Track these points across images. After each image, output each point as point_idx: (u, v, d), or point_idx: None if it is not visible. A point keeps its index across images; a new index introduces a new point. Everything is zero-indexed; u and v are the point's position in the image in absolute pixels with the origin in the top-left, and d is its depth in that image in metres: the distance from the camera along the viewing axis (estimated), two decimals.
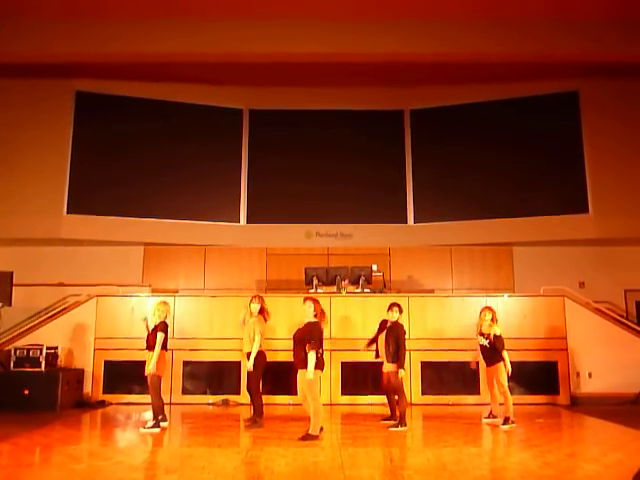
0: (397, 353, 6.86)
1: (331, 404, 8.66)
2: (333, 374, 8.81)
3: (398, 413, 6.89)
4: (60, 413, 7.88)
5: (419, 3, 9.10)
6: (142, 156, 11.52)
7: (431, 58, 9.93)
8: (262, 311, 7.06)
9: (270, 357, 7.23)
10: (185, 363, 8.97)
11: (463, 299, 9.34)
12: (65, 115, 11.18)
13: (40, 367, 8.28)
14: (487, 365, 7.21)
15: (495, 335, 7.05)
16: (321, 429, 6.21)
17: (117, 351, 8.90)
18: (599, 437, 6.46)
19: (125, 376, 8.76)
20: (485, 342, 7.14)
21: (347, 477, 4.57)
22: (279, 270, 11.66)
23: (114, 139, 11.47)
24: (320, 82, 11.53)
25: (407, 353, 7.05)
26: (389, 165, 12.02)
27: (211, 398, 8.84)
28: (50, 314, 9.65)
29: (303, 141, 12.01)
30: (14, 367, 8.29)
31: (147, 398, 6.85)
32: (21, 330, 9.35)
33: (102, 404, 8.63)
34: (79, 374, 8.82)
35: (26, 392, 8.01)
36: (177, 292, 10.83)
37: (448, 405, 8.67)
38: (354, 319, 9.02)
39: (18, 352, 8.33)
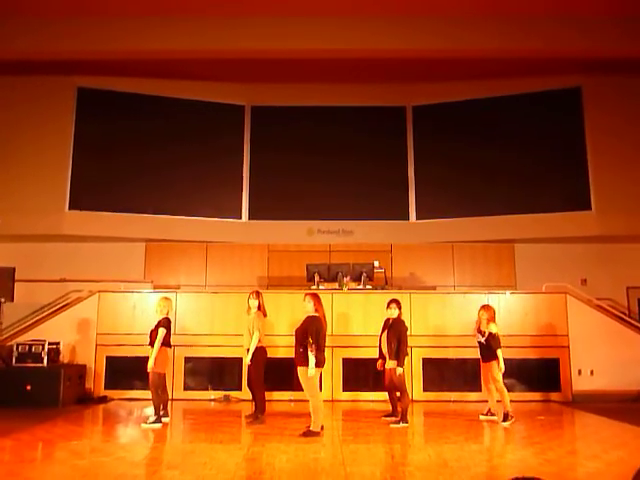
0: (398, 350, 6.86)
1: (332, 400, 8.66)
2: (334, 370, 8.82)
3: (399, 410, 6.90)
4: (62, 409, 7.90)
5: None
6: (144, 152, 11.51)
7: (433, 54, 9.94)
8: (260, 307, 7.09)
9: (271, 353, 7.25)
10: (187, 359, 8.99)
11: (465, 296, 9.33)
12: (67, 112, 11.18)
13: (42, 363, 8.29)
14: (483, 361, 7.32)
15: (490, 333, 7.13)
16: (322, 427, 6.20)
17: (119, 347, 8.92)
18: (600, 434, 6.45)
19: (127, 372, 8.78)
20: (482, 339, 7.23)
21: (348, 473, 4.58)
22: (281, 267, 11.66)
23: (116, 135, 11.47)
24: (322, 78, 11.51)
25: (409, 350, 7.06)
26: (391, 161, 11.99)
27: (212, 394, 8.87)
28: (52, 310, 9.66)
29: (305, 137, 11.99)
30: (16, 363, 8.30)
31: (149, 394, 6.87)
32: (23, 326, 9.37)
33: (104, 400, 8.65)
34: (81, 370, 8.84)
35: (28, 388, 8.02)
36: (179, 288, 10.85)
37: (449, 402, 8.68)
38: (355, 316, 9.02)
39: (20, 348, 8.34)
